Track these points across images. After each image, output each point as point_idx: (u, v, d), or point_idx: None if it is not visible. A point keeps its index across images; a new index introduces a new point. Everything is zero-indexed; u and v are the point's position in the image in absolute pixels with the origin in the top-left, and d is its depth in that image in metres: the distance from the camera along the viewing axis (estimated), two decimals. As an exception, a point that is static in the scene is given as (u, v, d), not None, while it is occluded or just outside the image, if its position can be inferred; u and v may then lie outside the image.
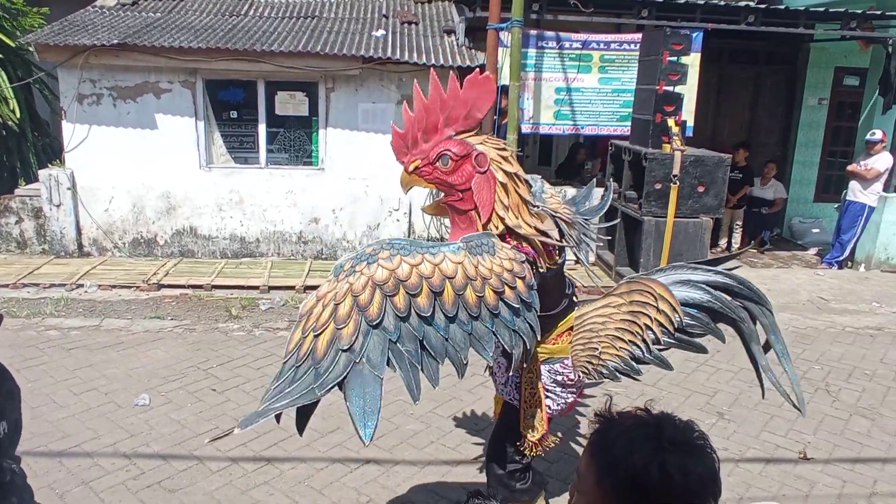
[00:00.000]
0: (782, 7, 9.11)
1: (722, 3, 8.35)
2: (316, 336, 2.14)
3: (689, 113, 7.95)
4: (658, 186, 6.90)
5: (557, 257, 2.74)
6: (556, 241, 2.65)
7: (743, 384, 5.33)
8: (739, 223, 9.48)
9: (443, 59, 7.60)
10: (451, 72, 2.54)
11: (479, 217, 2.52)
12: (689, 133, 8.05)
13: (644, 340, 2.82)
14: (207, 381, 5.10)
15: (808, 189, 10.62)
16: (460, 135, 2.53)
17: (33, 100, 8.89)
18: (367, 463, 4.08)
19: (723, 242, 9.45)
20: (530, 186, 2.64)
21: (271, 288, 7.27)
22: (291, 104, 8.13)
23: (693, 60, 7.71)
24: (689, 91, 7.55)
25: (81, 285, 7.17)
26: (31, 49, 7.83)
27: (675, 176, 6.83)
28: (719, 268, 2.94)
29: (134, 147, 8.02)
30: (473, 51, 7.96)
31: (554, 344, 2.92)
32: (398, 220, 8.33)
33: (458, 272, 2.24)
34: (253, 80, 8.03)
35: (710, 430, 4.48)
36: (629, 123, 7.81)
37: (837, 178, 10.15)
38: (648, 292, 2.81)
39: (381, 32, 8.17)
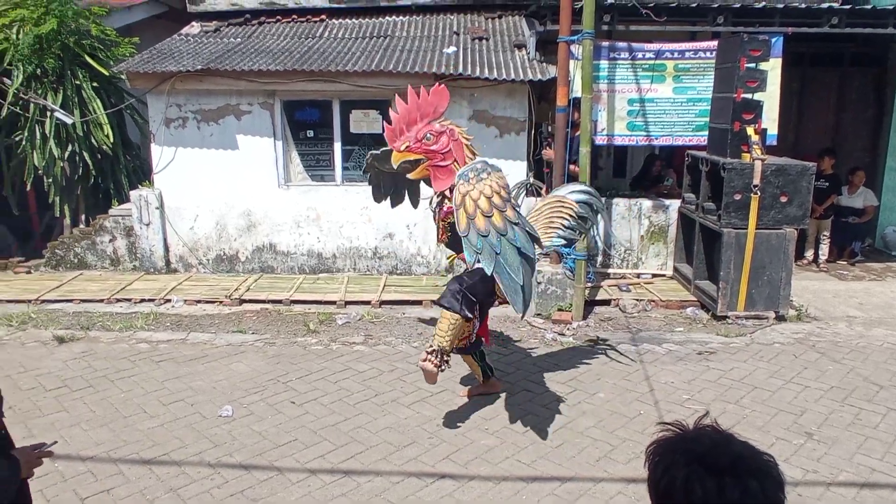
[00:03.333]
0: (868, 7, 8.73)
1: (803, 5, 8.08)
2: (488, 217, 3.79)
3: (769, 120, 7.69)
4: (738, 197, 6.69)
5: None
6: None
7: (834, 403, 5.09)
8: (827, 234, 9.06)
9: (514, 74, 7.62)
10: (421, 85, 4.46)
11: (458, 166, 4.21)
12: (771, 141, 7.78)
13: (563, 226, 4.98)
14: (287, 394, 5.24)
15: (901, 197, 10.09)
16: (431, 123, 4.26)
17: (125, 125, 9.37)
18: (443, 478, 4.09)
19: (809, 254, 9.06)
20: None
21: (348, 303, 7.41)
22: (365, 122, 8.31)
23: (773, 66, 7.46)
24: (769, 98, 7.31)
25: (169, 300, 7.49)
26: (123, 77, 8.28)
27: (755, 186, 6.62)
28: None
29: (217, 167, 8.36)
30: (545, 64, 7.95)
31: None
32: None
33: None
34: (328, 100, 8.25)
35: (797, 452, 4.32)
36: (706, 133, 7.61)
37: (933, 184, 9.60)
38: (558, 201, 5.09)
39: (452, 49, 8.26)
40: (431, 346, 4.39)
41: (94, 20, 8.92)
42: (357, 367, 5.79)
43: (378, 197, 5.46)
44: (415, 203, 5.40)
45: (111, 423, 4.75)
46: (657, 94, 7.99)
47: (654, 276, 8.23)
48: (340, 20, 9.56)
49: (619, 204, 8.18)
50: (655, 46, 7.88)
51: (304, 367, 5.77)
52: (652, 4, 7.82)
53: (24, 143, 8.52)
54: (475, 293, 4.41)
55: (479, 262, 3.84)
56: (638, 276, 8.21)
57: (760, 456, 1.25)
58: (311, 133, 8.51)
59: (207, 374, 5.62)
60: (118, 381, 5.47)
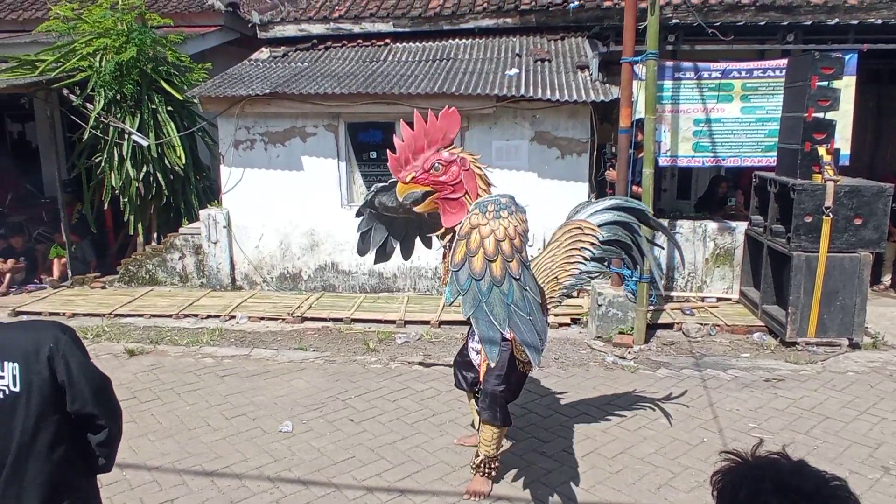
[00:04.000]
0: (950, 23, 8.37)
1: (879, 21, 7.81)
2: (490, 262, 3.13)
3: (843, 140, 7.43)
4: (808, 219, 6.47)
5: None
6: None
7: (912, 435, 4.83)
8: (905, 258, 8.66)
9: (576, 95, 7.59)
10: (428, 110, 3.76)
11: (469, 199, 3.62)
12: (844, 161, 7.51)
13: (584, 259, 4.07)
14: (346, 412, 5.28)
15: None
16: (440, 151, 3.65)
17: (196, 146, 9.72)
18: (499, 500, 4.05)
19: (886, 279, 8.67)
20: None
21: (407, 322, 7.46)
22: (427, 144, 8.37)
23: (846, 84, 7.22)
24: (842, 117, 7.06)
25: (234, 317, 7.68)
26: (195, 101, 8.61)
27: (827, 208, 6.39)
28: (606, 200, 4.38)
29: (282, 187, 8.57)
30: (608, 85, 7.90)
31: None
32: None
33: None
34: (391, 122, 8.37)
35: (872, 487, 4.11)
36: (775, 154, 7.40)
37: None
38: (575, 227, 4.15)
39: (514, 71, 8.29)
40: (477, 457, 4.07)
41: (171, 47, 9.32)
42: (415, 386, 5.80)
43: (363, 248, 4.58)
44: (427, 244, 4.78)
45: (176, 434, 4.89)
46: (724, 115, 7.82)
47: (720, 299, 8.00)
48: (404, 44, 9.73)
49: (684, 226, 8.02)
50: (722, 66, 7.74)
51: (363, 385, 5.82)
52: (718, 24, 7.70)
53: (103, 164, 8.93)
54: (513, 392, 4.09)
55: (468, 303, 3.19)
56: (702, 299, 8.00)
57: (834, 481, 1.23)
58: (373, 154, 8.65)
59: (269, 389, 5.73)
60: (184, 394, 5.62)
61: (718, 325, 7.20)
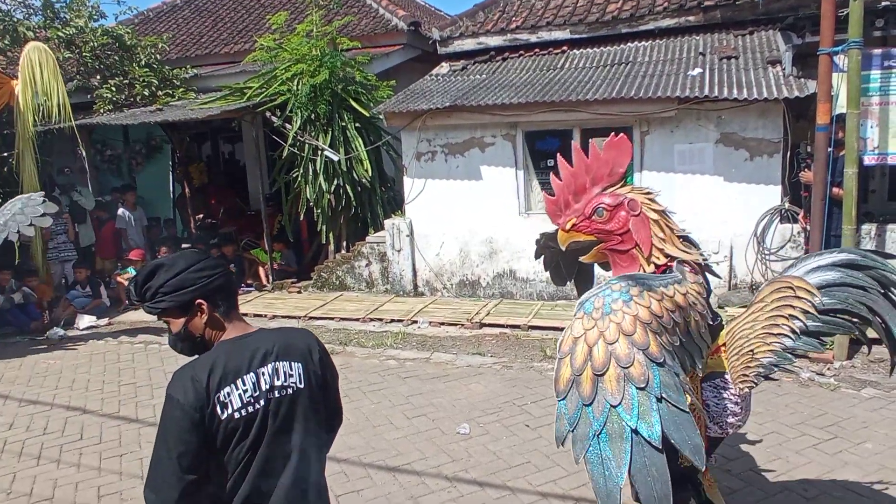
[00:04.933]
0: None
1: None
2: (599, 375, 2.10)
3: None
4: None
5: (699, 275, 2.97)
6: (703, 261, 2.86)
7: None
8: None
9: (766, 92, 7.11)
10: (591, 139, 3.13)
11: (642, 253, 2.81)
12: None
13: (792, 330, 2.94)
14: (522, 417, 5.32)
15: None
16: (607, 189, 2.87)
17: (381, 160, 10.29)
18: (680, 516, 3.88)
19: None
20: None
21: (584, 330, 7.35)
22: (605, 149, 8.24)
23: None
24: None
25: (416, 322, 8.01)
26: (381, 117, 9.11)
27: None
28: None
29: (461, 197, 8.83)
30: (803, 80, 7.32)
31: (711, 359, 3.00)
32: (718, 265, 7.88)
33: (686, 303, 2.42)
34: (569, 129, 8.34)
35: None
36: None
37: None
38: (786, 286, 3.00)
39: (697, 71, 7.93)
40: None
41: (358, 68, 9.95)
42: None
43: (558, 280, 3.91)
44: (589, 282, 3.85)
45: (362, 430, 5.19)
46: (946, 105, 6.95)
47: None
48: (581, 50, 9.65)
49: (895, 230, 7.22)
50: (944, 50, 6.89)
51: (540, 391, 5.83)
52: (938, 3, 6.88)
53: (299, 178, 9.71)
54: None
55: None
56: (920, 313, 7.14)
57: None
58: (550, 162, 8.65)
59: (448, 392, 5.91)
60: (369, 393, 5.96)
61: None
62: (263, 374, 2.09)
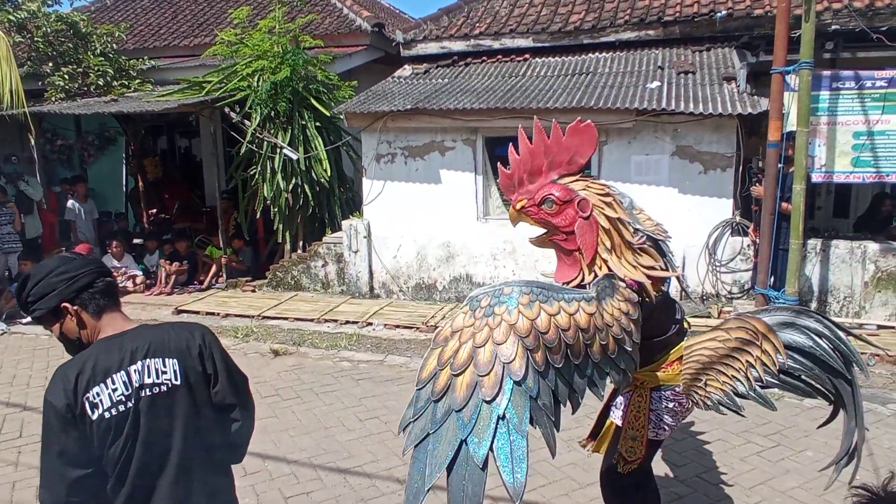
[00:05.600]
0: None
1: None
2: (455, 375, 2.01)
3: None
4: None
5: (662, 285, 2.74)
6: (662, 272, 2.63)
7: None
8: None
9: (721, 108, 7.29)
10: (553, 122, 2.68)
11: (584, 258, 2.53)
12: None
13: (747, 377, 2.81)
14: (474, 421, 5.33)
15: None
16: (564, 178, 2.59)
17: (341, 160, 10.23)
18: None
19: None
20: (634, 231, 2.60)
21: (538, 336, 7.42)
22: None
23: None
24: None
25: (371, 323, 7.98)
26: (341, 117, 9.06)
27: None
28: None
29: (420, 200, 8.83)
30: (756, 97, 7.53)
31: (664, 372, 2.92)
32: (669, 274, 8.04)
33: (591, 324, 2.20)
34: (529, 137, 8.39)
35: None
36: (949, 169, 6.75)
37: None
38: (752, 331, 2.81)
39: (655, 84, 8.09)
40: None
41: (320, 67, 9.88)
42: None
43: None
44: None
45: (314, 432, 5.14)
46: (890, 126, 7.21)
47: (881, 327, 7.36)
48: (543, 58, 9.75)
49: (839, 246, 7.46)
50: (888, 74, 7.15)
51: (492, 396, 5.85)
52: (885, 28, 7.14)
53: (256, 176, 9.59)
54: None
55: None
56: (860, 326, 7.40)
57: None
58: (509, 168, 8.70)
59: (401, 395, 5.89)
60: (322, 394, 5.91)
61: (878, 356, 6.63)
62: (134, 372, 2.06)
